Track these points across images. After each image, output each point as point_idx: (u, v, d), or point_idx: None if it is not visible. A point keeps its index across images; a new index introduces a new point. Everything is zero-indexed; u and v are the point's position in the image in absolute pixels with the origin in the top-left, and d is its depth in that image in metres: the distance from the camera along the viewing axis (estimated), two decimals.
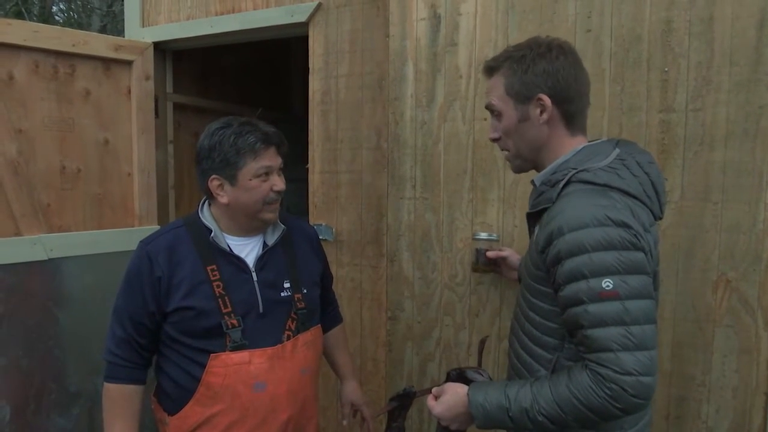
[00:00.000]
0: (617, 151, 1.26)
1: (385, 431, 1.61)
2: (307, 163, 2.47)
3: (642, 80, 1.84)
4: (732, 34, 1.74)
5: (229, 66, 3.45)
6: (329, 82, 2.37)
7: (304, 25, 2.39)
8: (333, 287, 1.98)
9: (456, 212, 2.16)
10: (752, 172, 1.74)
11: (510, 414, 1.19)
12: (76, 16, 13.92)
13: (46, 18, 11.36)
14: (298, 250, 1.74)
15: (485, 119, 2.08)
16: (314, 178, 2.44)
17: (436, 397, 1.35)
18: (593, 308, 1.11)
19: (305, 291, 1.69)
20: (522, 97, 1.28)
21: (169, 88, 2.99)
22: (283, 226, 1.69)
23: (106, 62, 2.64)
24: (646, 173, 1.22)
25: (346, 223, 2.37)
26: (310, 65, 2.40)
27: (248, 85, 3.63)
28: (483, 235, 2.03)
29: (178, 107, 3.05)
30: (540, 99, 1.27)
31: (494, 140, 1.39)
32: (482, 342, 1.58)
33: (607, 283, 1.10)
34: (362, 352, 2.35)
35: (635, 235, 1.12)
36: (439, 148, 2.17)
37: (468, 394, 1.27)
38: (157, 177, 2.84)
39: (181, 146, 3.10)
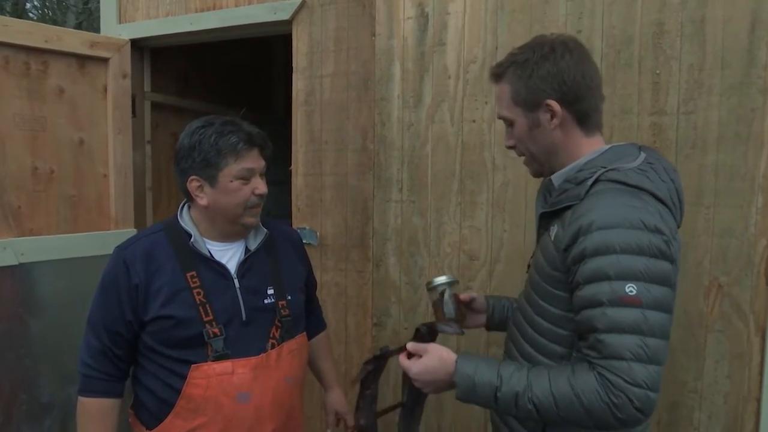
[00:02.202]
0: (643, 154, 1.22)
1: (358, 400, 1.48)
2: (290, 165, 2.41)
3: (633, 82, 1.82)
4: (724, 36, 1.72)
5: (209, 65, 3.36)
6: (313, 82, 2.30)
7: (288, 23, 2.33)
8: (317, 293, 1.92)
9: (444, 216, 2.11)
10: (744, 176, 1.72)
11: (498, 393, 1.14)
12: (50, 13, 13.63)
13: (20, 14, 11.10)
14: (281, 255, 1.68)
15: (474, 121, 2.04)
16: (297, 181, 2.37)
17: (410, 354, 1.27)
18: (612, 312, 1.06)
19: (289, 297, 1.63)
20: (530, 104, 1.23)
21: (147, 87, 2.90)
22: (265, 230, 1.62)
23: (81, 59, 2.55)
24: (671, 180, 1.19)
25: (331, 227, 2.31)
26: (294, 64, 2.34)
27: (229, 85, 3.55)
28: (443, 279, 1.49)
29: (156, 107, 2.96)
30: (548, 105, 1.22)
31: (510, 147, 1.34)
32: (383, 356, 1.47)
33: (630, 288, 1.05)
34: (347, 359, 2.29)
35: (666, 242, 1.08)
36: (427, 150, 2.12)
37: (456, 362, 1.20)
38: (134, 178, 2.75)
39: (159, 147, 3.01)
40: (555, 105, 1.21)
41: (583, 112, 1.24)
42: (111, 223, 2.68)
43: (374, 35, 2.18)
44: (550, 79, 1.21)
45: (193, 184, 1.50)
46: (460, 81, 2.05)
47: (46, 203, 2.46)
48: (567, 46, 1.23)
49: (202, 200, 1.50)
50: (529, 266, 1.40)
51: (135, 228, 2.73)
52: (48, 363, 2.39)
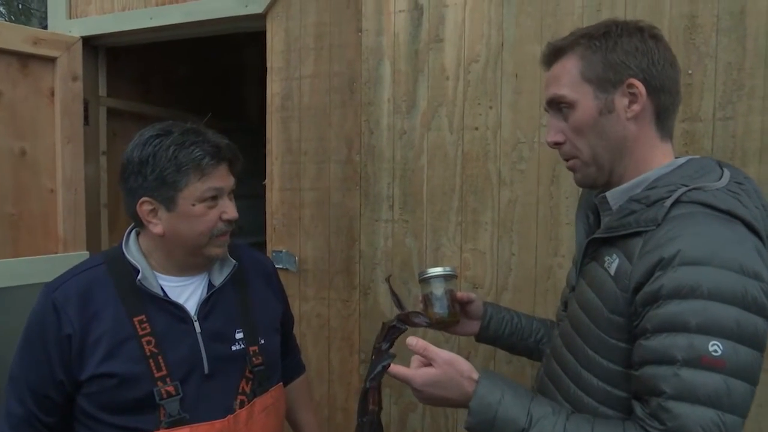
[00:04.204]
0: (727, 172, 0.97)
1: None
2: (264, 178, 2.12)
3: None
4: (767, 31, 1.49)
5: (173, 67, 3.05)
6: (291, 84, 2.02)
7: (261, 18, 2.05)
8: (295, 327, 1.63)
9: (442, 237, 1.84)
10: None
11: None
12: (14, 18, 13.15)
13: None
14: (252, 289, 1.39)
15: (476, 128, 1.78)
16: (273, 197, 2.08)
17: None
18: (687, 374, 0.82)
19: (262, 341, 1.34)
20: (606, 81, 0.98)
21: (102, 91, 2.58)
22: (233, 261, 1.33)
23: (23, 58, 2.23)
24: (763, 206, 0.93)
25: (312, 250, 2.02)
26: (268, 64, 2.06)
27: (196, 89, 3.23)
28: (438, 270, 1.28)
29: (112, 113, 2.63)
30: (631, 84, 0.97)
31: (555, 145, 1.07)
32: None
33: (715, 347, 0.81)
34: (330, 402, 2.00)
35: (765, 291, 0.84)
36: (422, 162, 1.85)
37: (477, 382, 0.95)
38: (86, 194, 2.43)
39: (116, 158, 2.68)
40: (640, 86, 0.96)
41: (664, 108, 1.00)
42: (59, 245, 2.35)
43: (360, 31, 1.91)
44: (638, 56, 0.97)
45: (144, 207, 1.21)
46: (460, 82, 1.79)
47: None
48: (654, 30, 1.00)
49: (156, 227, 1.21)
50: (566, 303, 1.13)
51: (87, 251, 2.40)
52: None
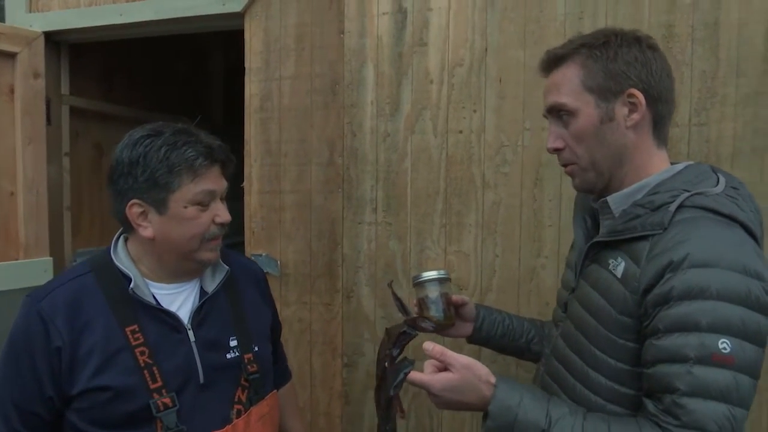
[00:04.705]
0: (723, 177, 1.01)
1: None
2: (242, 181, 2.07)
3: None
4: (739, 42, 1.57)
5: (136, 64, 2.94)
6: (270, 85, 1.99)
7: (239, 17, 2.00)
8: None
9: (426, 240, 1.85)
10: (763, 194, 1.56)
11: None
12: None
13: None
14: (244, 296, 1.36)
15: (461, 132, 1.80)
16: (251, 200, 2.04)
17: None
18: (700, 372, 0.85)
19: (256, 349, 1.32)
20: (607, 91, 1.01)
21: (65, 89, 2.46)
22: (226, 267, 1.30)
23: None
24: (757, 210, 0.98)
25: (293, 253, 1.99)
26: (246, 65, 2.01)
27: (159, 88, 3.13)
28: (433, 274, 1.28)
29: (76, 112, 2.52)
30: (631, 94, 1.00)
31: (555, 151, 1.09)
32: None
33: (724, 345, 0.85)
34: (313, 407, 1.98)
35: (766, 291, 0.88)
36: (406, 165, 1.86)
37: (495, 386, 0.96)
38: (49, 197, 2.31)
39: (80, 159, 2.58)
40: (639, 96, 1.00)
41: (661, 117, 1.04)
42: (19, 251, 2.23)
43: (343, 33, 1.89)
44: (638, 66, 1.00)
45: (134, 209, 1.16)
46: (444, 86, 1.80)
47: None
48: (651, 41, 1.03)
49: (146, 231, 1.17)
50: (565, 305, 1.16)
51: (51, 256, 2.29)
52: None
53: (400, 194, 1.87)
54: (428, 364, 1.00)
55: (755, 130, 1.56)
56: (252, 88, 2.01)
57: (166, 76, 3.20)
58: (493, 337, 1.38)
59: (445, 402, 0.97)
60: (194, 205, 1.17)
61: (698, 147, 1.61)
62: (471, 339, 1.39)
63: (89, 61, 2.61)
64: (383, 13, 1.85)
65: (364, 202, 1.90)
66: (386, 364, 1.04)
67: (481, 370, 0.97)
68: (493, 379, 0.96)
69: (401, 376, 0.95)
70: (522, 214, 1.75)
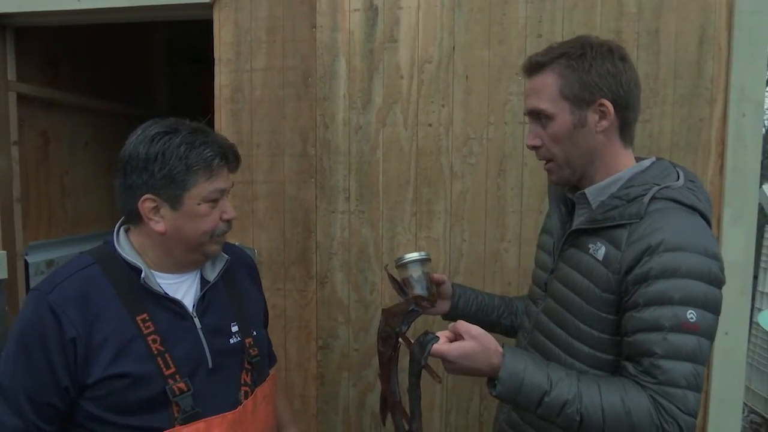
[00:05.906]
0: (681, 172, 1.19)
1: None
2: None
3: None
4: (676, 48, 1.77)
5: (81, 49, 2.83)
6: (241, 77, 2.01)
7: (208, 7, 2.00)
8: None
9: (398, 226, 1.96)
10: None
11: (545, 398, 1.05)
12: None
13: None
14: (240, 283, 1.43)
15: (430, 125, 1.91)
16: None
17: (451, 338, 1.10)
18: (673, 338, 1.02)
19: (255, 333, 1.39)
20: (580, 100, 1.15)
21: (12, 75, 2.34)
22: (226, 256, 1.36)
23: None
24: (707, 199, 1.16)
25: (266, 242, 2.04)
26: (216, 55, 2.03)
27: (104, 74, 3.02)
28: (415, 255, 1.39)
29: (22, 99, 2.41)
30: (602, 104, 1.15)
31: (533, 148, 1.23)
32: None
33: (691, 315, 1.03)
34: (288, 389, 2.05)
35: (722, 270, 1.07)
36: (378, 156, 1.95)
37: (503, 355, 1.08)
38: None
39: (27, 148, 2.47)
40: (609, 106, 1.14)
41: (628, 122, 1.19)
42: None
43: (315, 27, 1.95)
44: (609, 79, 1.14)
45: (146, 204, 1.19)
46: (414, 81, 1.91)
47: None
48: (622, 51, 1.17)
49: (158, 225, 1.21)
50: (545, 284, 1.30)
51: (3, 250, 2.21)
52: None
53: (372, 184, 1.96)
54: (441, 335, 1.11)
55: (689, 127, 1.78)
56: (222, 78, 2.03)
57: (110, 61, 3.09)
58: (468, 313, 1.51)
59: (458, 368, 1.09)
60: (207, 202, 1.22)
61: (642, 141, 1.80)
62: (447, 315, 1.51)
63: (34, 46, 2.49)
64: (355, 10, 1.92)
65: (337, 191, 1.98)
66: (399, 340, 1.14)
67: (491, 339, 1.09)
68: (501, 348, 1.09)
69: (429, 346, 1.06)
70: (487, 201, 1.90)
